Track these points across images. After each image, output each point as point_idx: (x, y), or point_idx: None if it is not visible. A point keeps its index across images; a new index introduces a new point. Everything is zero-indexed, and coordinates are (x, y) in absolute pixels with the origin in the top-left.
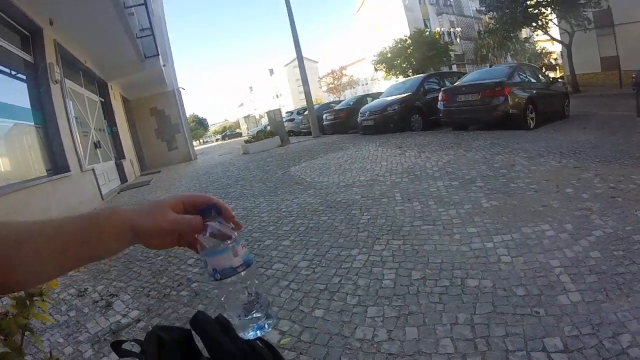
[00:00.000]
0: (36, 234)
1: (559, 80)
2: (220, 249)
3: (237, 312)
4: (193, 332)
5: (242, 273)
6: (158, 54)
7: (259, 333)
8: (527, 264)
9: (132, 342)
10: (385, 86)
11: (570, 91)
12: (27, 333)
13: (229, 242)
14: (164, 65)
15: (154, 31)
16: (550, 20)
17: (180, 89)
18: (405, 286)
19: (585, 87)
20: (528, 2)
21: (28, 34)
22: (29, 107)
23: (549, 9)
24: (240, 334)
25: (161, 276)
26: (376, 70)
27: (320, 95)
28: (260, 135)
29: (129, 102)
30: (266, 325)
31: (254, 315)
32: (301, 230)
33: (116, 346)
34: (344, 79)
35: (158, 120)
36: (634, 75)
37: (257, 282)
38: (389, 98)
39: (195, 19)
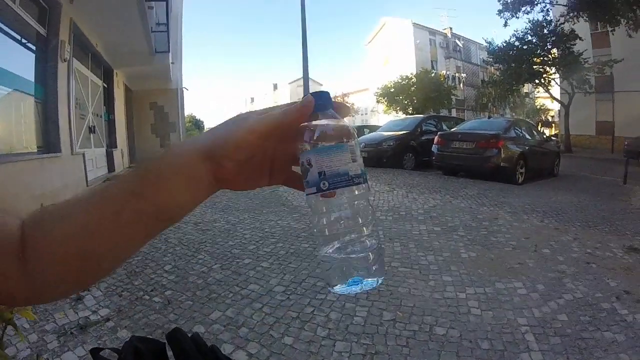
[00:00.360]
0: (80, 208)
1: (553, 138)
2: (335, 145)
3: (334, 248)
4: (167, 347)
5: (357, 191)
6: (169, 51)
7: (352, 289)
8: (496, 319)
9: (110, 351)
10: (384, 120)
11: (562, 150)
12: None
13: (348, 140)
14: (172, 63)
15: (169, 28)
16: (553, 79)
17: (184, 89)
18: (375, 325)
19: (578, 148)
20: (534, 60)
21: (47, 7)
22: (33, 80)
23: (553, 68)
24: (329, 284)
25: (136, 278)
26: (377, 102)
27: None
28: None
29: (131, 92)
30: (365, 283)
31: (355, 261)
32: (281, 254)
33: (95, 353)
34: None
35: (156, 115)
36: (626, 143)
37: (371, 218)
38: (386, 133)
39: (212, 23)
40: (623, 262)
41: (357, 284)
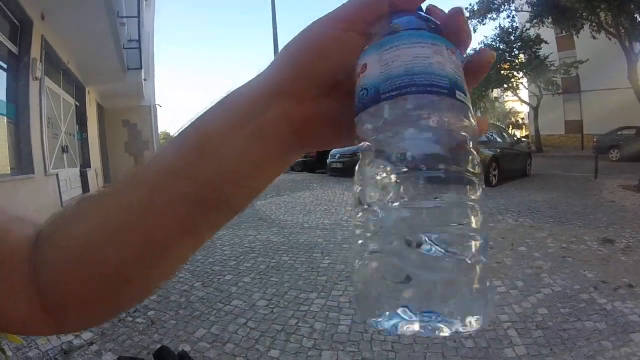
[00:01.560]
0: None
1: (523, 139)
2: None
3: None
4: None
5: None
6: (141, 67)
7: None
8: None
9: None
10: None
11: (533, 151)
12: None
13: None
14: (144, 80)
15: (140, 44)
16: (521, 83)
17: (157, 105)
18: (359, 332)
19: (549, 147)
20: (502, 65)
21: (18, 24)
22: (4, 99)
23: (521, 72)
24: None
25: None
26: None
27: None
28: None
29: (103, 110)
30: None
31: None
32: (262, 268)
33: None
34: None
35: (129, 133)
36: (595, 140)
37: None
38: (362, 143)
39: (184, 38)
40: (598, 254)
41: (430, 321)
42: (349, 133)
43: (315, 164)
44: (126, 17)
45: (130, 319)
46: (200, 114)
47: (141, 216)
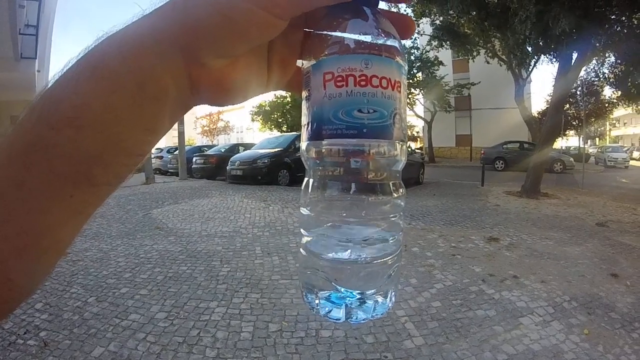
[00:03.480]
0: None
1: (418, 150)
2: (383, 57)
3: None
4: None
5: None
6: (36, 57)
7: (346, 310)
8: None
9: None
10: (260, 137)
11: (426, 161)
12: None
13: (399, 60)
14: (38, 71)
15: (39, 31)
16: (417, 99)
17: None
18: (262, 338)
19: (441, 158)
20: None
21: None
22: None
23: (418, 90)
24: (308, 289)
25: (5, 321)
26: (253, 120)
27: (194, 137)
28: None
29: None
30: (375, 304)
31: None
32: (159, 280)
33: None
34: (220, 124)
35: None
36: (483, 152)
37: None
38: (261, 151)
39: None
40: (485, 251)
41: (360, 303)
42: (252, 91)
43: (215, 171)
44: None
45: (21, 341)
46: (69, 70)
47: (12, 202)
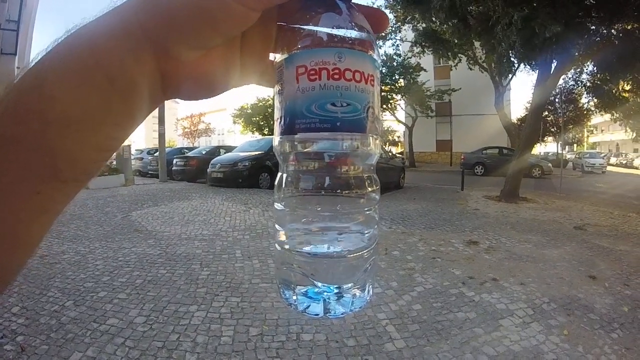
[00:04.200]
0: None
1: (398, 155)
2: (357, 51)
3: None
4: None
5: (369, 145)
6: (16, 54)
7: (324, 304)
8: (357, 318)
9: None
10: (241, 140)
11: (407, 166)
12: None
13: (372, 53)
14: (18, 67)
15: (19, 27)
16: (399, 104)
17: None
18: (243, 342)
19: (421, 163)
20: (383, 87)
21: None
22: None
23: (399, 95)
24: (283, 285)
25: None
26: (234, 123)
27: (175, 138)
28: (104, 170)
29: None
30: (353, 298)
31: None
32: (138, 283)
33: None
34: (201, 126)
35: None
36: (463, 157)
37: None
38: (242, 154)
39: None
40: (465, 254)
41: (337, 297)
42: (224, 85)
43: (196, 174)
44: None
45: None
46: (38, 62)
47: None
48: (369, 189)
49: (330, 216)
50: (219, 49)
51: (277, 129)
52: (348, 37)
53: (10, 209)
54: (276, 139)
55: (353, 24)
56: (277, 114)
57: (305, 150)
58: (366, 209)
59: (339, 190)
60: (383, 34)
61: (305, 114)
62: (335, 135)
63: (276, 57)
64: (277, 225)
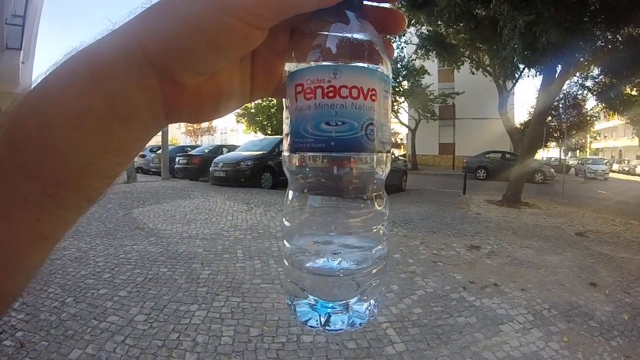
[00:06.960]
0: None
1: (401, 158)
2: (361, 66)
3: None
4: None
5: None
6: (21, 48)
7: (310, 321)
8: None
9: None
10: (243, 139)
11: (409, 168)
12: None
13: (381, 68)
14: (22, 62)
15: (25, 22)
16: (402, 107)
17: None
18: (243, 343)
19: (423, 165)
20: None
21: None
22: None
23: (403, 98)
24: (291, 299)
25: None
26: (237, 122)
27: (178, 136)
28: None
29: None
30: (356, 315)
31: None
32: (139, 281)
33: None
34: (204, 124)
35: None
36: (465, 160)
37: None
38: (244, 153)
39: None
40: (466, 258)
41: (339, 313)
42: (233, 104)
43: (198, 172)
44: None
45: None
46: (37, 87)
47: None
48: (373, 206)
49: (331, 234)
50: (228, 69)
51: (284, 144)
52: (344, 52)
53: (10, 235)
54: (283, 154)
55: (355, 36)
56: (284, 130)
57: (302, 169)
58: (372, 226)
59: (339, 209)
60: (387, 37)
61: (302, 133)
62: (329, 156)
63: (284, 72)
64: (285, 241)
